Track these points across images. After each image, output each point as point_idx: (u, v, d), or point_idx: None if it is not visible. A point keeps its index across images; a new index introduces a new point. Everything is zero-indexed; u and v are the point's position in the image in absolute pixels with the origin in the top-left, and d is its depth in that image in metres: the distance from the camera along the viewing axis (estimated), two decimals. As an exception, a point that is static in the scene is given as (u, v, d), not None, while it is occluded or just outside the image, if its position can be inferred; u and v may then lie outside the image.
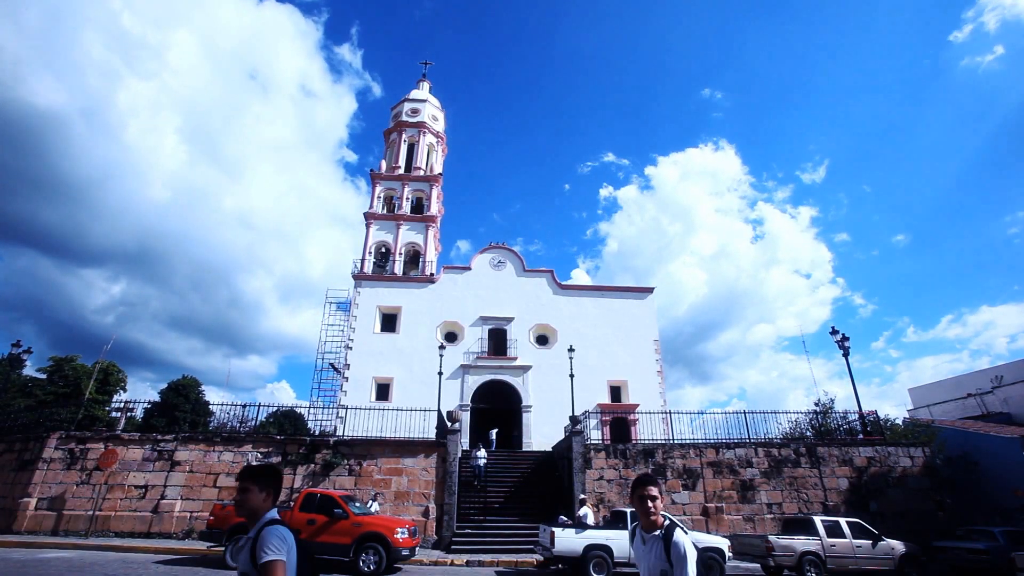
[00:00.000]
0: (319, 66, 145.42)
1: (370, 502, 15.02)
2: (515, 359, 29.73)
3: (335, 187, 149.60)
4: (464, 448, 20.99)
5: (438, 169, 39.01)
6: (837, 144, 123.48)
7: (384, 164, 36.94)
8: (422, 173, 36.99)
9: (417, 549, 12.83)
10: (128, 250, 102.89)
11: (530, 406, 28.59)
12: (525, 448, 26.22)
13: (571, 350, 23.95)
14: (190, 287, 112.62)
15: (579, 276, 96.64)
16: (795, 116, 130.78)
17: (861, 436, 19.39)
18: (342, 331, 30.85)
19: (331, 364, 30.42)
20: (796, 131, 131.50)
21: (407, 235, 34.32)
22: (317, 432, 23.29)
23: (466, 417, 27.23)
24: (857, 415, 20.07)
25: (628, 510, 12.98)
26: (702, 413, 23.01)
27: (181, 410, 32.53)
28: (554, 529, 12.10)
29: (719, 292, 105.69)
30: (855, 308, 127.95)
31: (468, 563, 13.82)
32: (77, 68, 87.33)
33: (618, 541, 12.20)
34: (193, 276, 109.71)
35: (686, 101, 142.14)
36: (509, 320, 30.75)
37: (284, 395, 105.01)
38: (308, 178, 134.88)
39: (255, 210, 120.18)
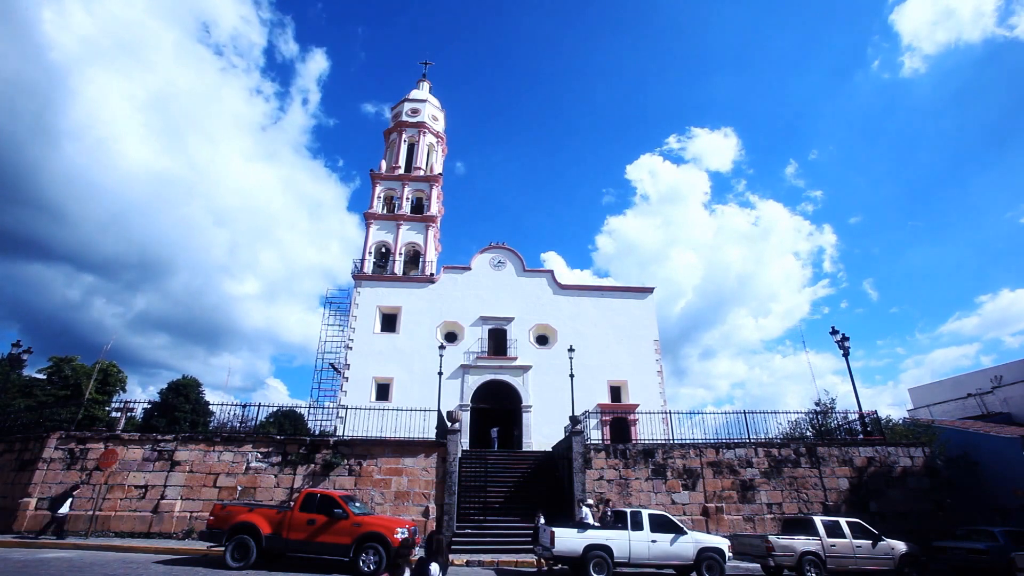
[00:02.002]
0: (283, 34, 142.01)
1: None
2: (515, 359, 29.73)
3: (310, 171, 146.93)
4: (464, 448, 20.99)
5: (438, 169, 39.04)
6: (843, 128, 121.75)
7: (384, 164, 36.96)
8: (422, 173, 37.02)
9: (417, 549, 12.81)
10: (96, 248, 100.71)
11: (530, 406, 28.59)
12: (525, 448, 26.21)
13: (571, 350, 23.95)
14: (164, 284, 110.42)
15: (552, 262, 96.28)
16: (798, 100, 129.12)
17: (861, 436, 19.40)
18: (342, 331, 30.86)
19: (331, 364, 30.43)
20: (800, 115, 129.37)
21: (407, 235, 34.34)
22: (317, 432, 23.31)
23: (466, 417, 27.24)
24: (857, 415, 20.08)
25: (628, 510, 12.99)
26: (702, 413, 23.01)
27: (181, 410, 32.50)
28: (554, 529, 12.09)
29: (712, 287, 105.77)
30: (863, 299, 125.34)
31: (468, 563, 13.82)
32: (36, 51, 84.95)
33: (618, 541, 12.21)
34: (168, 272, 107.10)
35: (686, 88, 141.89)
36: (509, 320, 30.76)
37: (275, 394, 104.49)
38: (283, 166, 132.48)
39: (225, 199, 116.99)
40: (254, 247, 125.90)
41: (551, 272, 33.05)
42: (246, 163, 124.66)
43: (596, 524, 13.49)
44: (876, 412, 20.44)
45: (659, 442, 18.48)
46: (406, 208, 35.33)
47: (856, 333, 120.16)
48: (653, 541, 12.32)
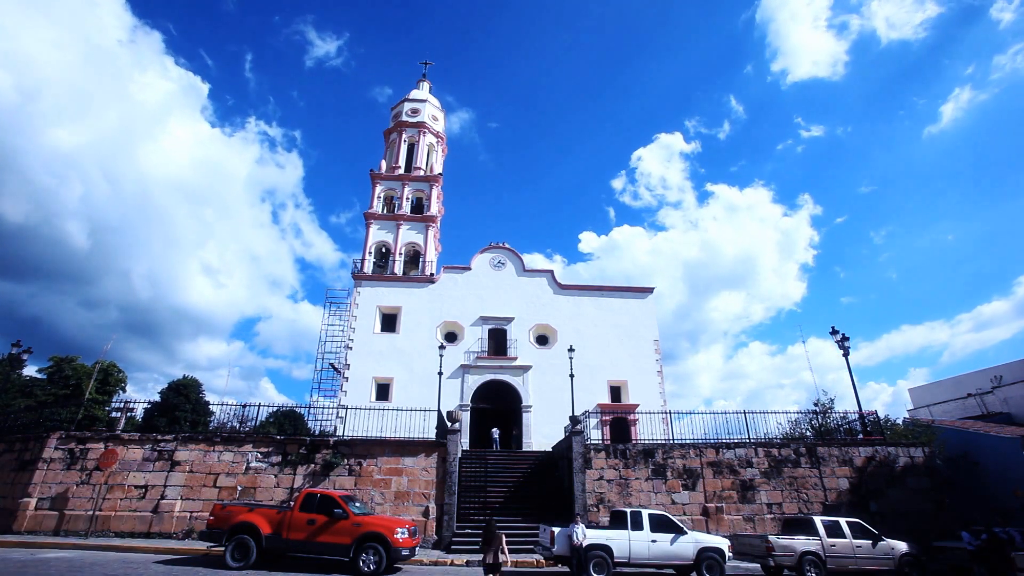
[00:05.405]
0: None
1: None
2: (515, 359, 29.73)
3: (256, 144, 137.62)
4: (464, 448, 20.99)
5: (438, 169, 39.06)
6: (856, 95, 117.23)
7: (384, 164, 36.99)
8: (422, 173, 37.05)
9: (417, 549, 12.83)
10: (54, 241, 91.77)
11: (530, 406, 28.59)
12: (525, 448, 26.21)
13: (571, 350, 23.96)
14: (112, 276, 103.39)
15: (538, 260, 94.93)
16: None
17: (861, 436, 19.41)
18: (342, 331, 30.86)
19: (331, 364, 30.44)
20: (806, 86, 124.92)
21: (407, 235, 34.37)
22: (317, 432, 23.29)
23: (466, 417, 27.25)
24: (857, 415, 20.09)
25: (628, 510, 13.00)
26: (702, 413, 22.97)
27: (181, 410, 32.52)
28: (554, 529, 12.11)
29: (703, 279, 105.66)
30: (871, 285, 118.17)
31: (468, 563, 13.80)
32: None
33: (618, 541, 12.22)
34: (124, 269, 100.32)
35: (684, 79, 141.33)
36: (509, 320, 30.76)
37: (268, 394, 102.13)
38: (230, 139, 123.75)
39: (167, 177, 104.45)
40: (212, 231, 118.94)
41: (551, 272, 33.07)
42: (188, 135, 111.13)
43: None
44: (876, 412, 20.48)
45: (659, 442, 18.48)
46: (406, 208, 35.35)
47: (865, 321, 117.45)
48: (653, 541, 12.34)
